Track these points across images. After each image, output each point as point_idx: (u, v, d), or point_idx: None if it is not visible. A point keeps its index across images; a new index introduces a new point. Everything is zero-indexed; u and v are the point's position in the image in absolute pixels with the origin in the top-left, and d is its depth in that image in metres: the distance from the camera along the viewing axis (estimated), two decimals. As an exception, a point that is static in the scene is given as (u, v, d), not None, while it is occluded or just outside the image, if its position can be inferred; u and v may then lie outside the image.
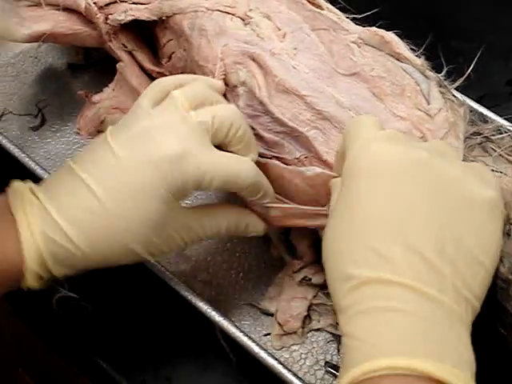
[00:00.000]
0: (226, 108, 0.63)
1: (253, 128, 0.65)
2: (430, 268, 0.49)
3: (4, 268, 0.58)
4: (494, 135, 0.62)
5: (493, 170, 0.59)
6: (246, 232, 0.66)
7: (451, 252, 0.50)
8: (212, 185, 0.59)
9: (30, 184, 0.61)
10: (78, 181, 0.59)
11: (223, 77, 0.67)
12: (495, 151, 0.61)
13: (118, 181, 0.58)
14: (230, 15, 0.69)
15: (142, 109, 0.61)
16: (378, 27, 0.69)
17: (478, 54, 0.69)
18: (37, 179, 0.74)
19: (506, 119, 0.72)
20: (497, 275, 0.56)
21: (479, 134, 0.62)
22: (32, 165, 0.76)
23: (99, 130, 0.82)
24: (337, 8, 0.73)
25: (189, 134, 0.59)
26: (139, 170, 0.58)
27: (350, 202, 0.53)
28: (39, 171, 0.75)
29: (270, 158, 0.66)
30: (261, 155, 0.65)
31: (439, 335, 0.48)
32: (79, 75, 0.88)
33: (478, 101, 0.74)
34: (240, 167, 0.61)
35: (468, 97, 0.72)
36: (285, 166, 0.64)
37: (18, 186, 0.61)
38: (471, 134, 0.61)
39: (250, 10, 0.69)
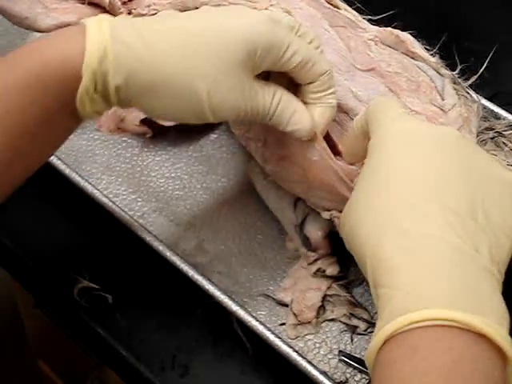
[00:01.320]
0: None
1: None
2: (466, 228, 0.50)
3: (62, 67, 0.55)
4: (506, 130, 0.64)
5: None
6: (289, 123, 0.61)
7: (483, 221, 0.51)
8: (291, 62, 0.58)
9: None
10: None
11: None
12: (507, 146, 0.62)
13: (207, 19, 0.58)
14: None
15: None
16: (394, 28, 0.70)
17: (491, 54, 0.71)
18: (59, 175, 0.76)
19: (517, 116, 0.73)
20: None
21: (491, 129, 0.64)
22: (54, 160, 0.77)
23: (119, 127, 0.83)
24: (353, 9, 0.75)
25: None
26: (234, 13, 0.59)
27: (382, 166, 0.54)
28: (61, 166, 0.76)
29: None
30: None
31: (483, 291, 0.48)
32: (100, 74, 0.90)
33: (490, 99, 0.76)
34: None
35: (481, 95, 0.73)
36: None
37: None
38: (484, 129, 0.63)
39: (271, 4, 0.70)
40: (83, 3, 0.78)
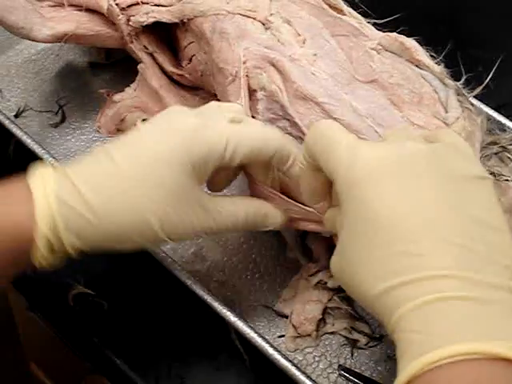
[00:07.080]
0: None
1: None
2: (464, 252, 0.48)
3: (14, 233, 0.56)
4: (510, 145, 0.62)
5: (508, 180, 0.59)
6: (263, 223, 0.64)
7: (475, 230, 0.49)
8: (237, 154, 0.59)
9: None
10: (99, 150, 0.60)
11: (246, 78, 0.67)
12: (511, 161, 0.61)
13: (138, 147, 0.58)
14: (251, 19, 0.70)
15: None
16: (399, 33, 0.69)
17: (498, 63, 0.70)
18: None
19: (524, 128, 0.72)
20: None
21: (496, 143, 0.62)
22: (52, 161, 0.75)
23: (119, 128, 0.82)
24: (358, 13, 0.74)
25: (209, 112, 0.61)
26: (160, 137, 0.58)
27: (360, 215, 0.51)
28: (59, 168, 0.75)
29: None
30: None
31: (495, 315, 0.46)
32: (100, 74, 0.89)
33: (496, 109, 0.75)
34: (265, 131, 0.61)
35: (487, 105, 0.72)
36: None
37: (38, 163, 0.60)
38: (488, 144, 0.62)
39: (271, 14, 0.69)
40: (81, 10, 0.77)
